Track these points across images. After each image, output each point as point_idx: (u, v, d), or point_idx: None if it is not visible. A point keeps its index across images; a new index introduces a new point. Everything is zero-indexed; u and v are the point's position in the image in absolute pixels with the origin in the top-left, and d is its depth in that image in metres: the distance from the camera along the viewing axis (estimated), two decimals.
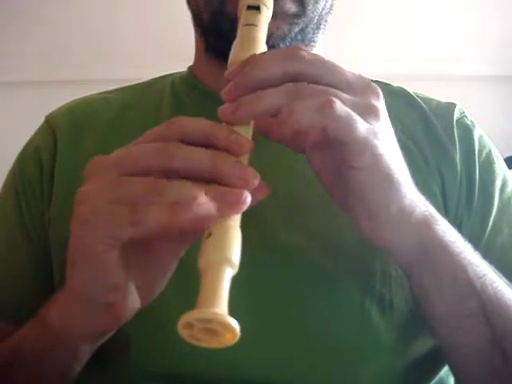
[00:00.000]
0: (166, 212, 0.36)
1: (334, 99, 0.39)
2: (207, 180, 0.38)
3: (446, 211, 0.58)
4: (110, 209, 0.37)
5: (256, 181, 0.38)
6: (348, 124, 0.39)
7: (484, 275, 0.48)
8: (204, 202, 0.36)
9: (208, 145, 0.39)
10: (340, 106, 0.39)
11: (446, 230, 0.47)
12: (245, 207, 0.37)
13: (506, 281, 0.51)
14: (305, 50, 0.41)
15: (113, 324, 0.42)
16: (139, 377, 0.53)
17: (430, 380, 0.58)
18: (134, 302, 0.41)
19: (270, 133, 0.45)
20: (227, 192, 0.37)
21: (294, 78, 0.40)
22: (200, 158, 0.38)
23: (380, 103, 0.42)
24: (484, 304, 0.48)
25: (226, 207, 0.36)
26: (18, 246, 0.61)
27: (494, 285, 0.49)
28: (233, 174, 0.37)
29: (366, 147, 0.40)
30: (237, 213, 0.37)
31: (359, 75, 0.43)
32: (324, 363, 0.53)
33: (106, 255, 0.38)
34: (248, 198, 0.37)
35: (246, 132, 0.40)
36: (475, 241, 0.57)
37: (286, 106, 0.39)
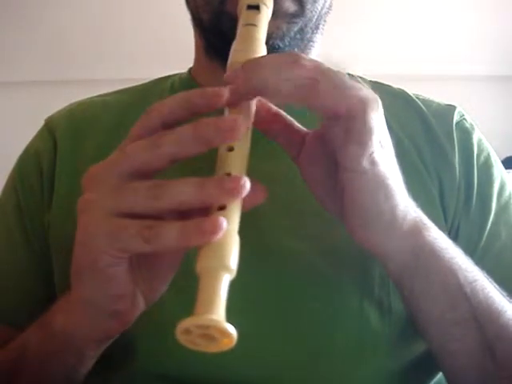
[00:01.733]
0: (180, 233, 0.35)
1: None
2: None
3: (443, 214, 0.58)
4: (115, 221, 0.37)
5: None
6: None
7: (475, 281, 0.48)
8: (213, 220, 0.35)
9: (190, 115, 0.39)
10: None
11: (436, 235, 0.48)
12: (245, 192, 0.36)
13: (498, 287, 0.51)
14: (304, 58, 0.41)
15: (119, 329, 0.43)
16: (144, 379, 0.53)
17: (428, 381, 0.58)
18: (139, 306, 0.42)
19: (269, 130, 0.45)
20: (225, 179, 0.36)
21: None
22: (187, 137, 0.37)
23: (379, 110, 0.42)
24: (475, 309, 0.47)
25: (226, 195, 0.36)
26: (18, 250, 0.61)
27: (485, 291, 0.49)
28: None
29: (366, 152, 0.41)
30: (238, 197, 0.36)
31: (358, 84, 0.43)
32: (322, 365, 0.53)
33: (115, 268, 0.38)
34: (247, 184, 0.36)
35: (245, 134, 0.40)
36: (473, 244, 0.57)
37: (314, 79, 0.39)
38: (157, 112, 0.40)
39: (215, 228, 0.35)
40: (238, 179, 0.36)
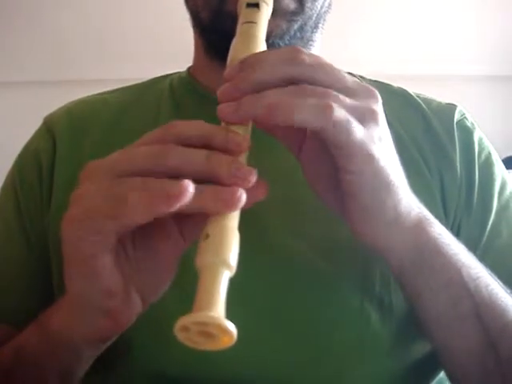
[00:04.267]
0: (144, 202, 0.35)
1: (334, 104, 0.39)
2: (204, 180, 0.37)
3: (445, 213, 0.58)
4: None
5: (252, 178, 0.37)
6: (345, 129, 0.39)
7: (478, 277, 0.48)
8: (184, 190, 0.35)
9: (206, 147, 0.38)
10: (339, 111, 0.39)
11: (440, 231, 0.47)
12: (240, 205, 0.36)
13: (502, 284, 0.50)
14: (304, 53, 0.41)
15: (114, 329, 0.42)
16: (141, 378, 0.53)
17: (429, 382, 0.58)
18: (135, 305, 0.41)
19: (269, 127, 0.45)
20: (222, 190, 0.36)
21: (293, 81, 0.40)
22: (195, 158, 0.37)
23: (378, 107, 0.42)
24: (478, 306, 0.47)
25: (221, 205, 0.36)
26: (17, 248, 0.61)
27: (489, 287, 0.48)
28: (229, 173, 0.37)
29: (361, 152, 0.40)
30: (232, 210, 0.36)
31: (357, 80, 0.43)
32: (322, 365, 0.53)
33: (98, 259, 0.37)
34: (243, 196, 0.36)
35: (245, 131, 0.40)
36: (474, 243, 0.57)
37: (286, 100, 0.39)
38: (175, 131, 0.39)
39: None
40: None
